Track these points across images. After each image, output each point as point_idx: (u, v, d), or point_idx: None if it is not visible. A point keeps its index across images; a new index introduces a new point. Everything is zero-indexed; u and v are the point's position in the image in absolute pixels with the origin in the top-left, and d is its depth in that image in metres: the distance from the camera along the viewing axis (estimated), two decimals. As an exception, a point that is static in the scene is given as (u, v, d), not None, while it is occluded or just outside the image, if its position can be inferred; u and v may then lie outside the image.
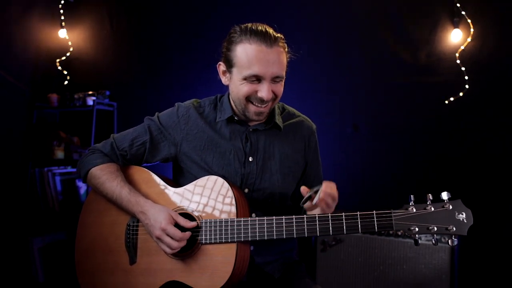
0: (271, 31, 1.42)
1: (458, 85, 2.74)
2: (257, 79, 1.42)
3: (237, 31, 1.44)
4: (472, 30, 2.72)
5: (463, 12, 2.72)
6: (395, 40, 2.91)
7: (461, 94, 2.74)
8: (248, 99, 1.46)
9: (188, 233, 1.41)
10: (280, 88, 1.48)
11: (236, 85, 1.47)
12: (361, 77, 3.00)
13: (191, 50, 3.37)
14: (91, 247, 1.60)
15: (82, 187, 3.46)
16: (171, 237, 1.39)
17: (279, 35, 1.44)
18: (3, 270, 3.19)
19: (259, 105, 1.46)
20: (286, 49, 1.48)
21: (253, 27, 1.42)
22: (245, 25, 1.45)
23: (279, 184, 1.57)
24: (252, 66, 1.40)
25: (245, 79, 1.43)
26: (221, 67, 1.53)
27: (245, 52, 1.41)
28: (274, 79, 1.44)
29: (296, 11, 3.16)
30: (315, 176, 1.69)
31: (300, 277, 1.57)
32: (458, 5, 2.71)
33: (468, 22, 2.72)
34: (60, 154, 3.47)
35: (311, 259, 2.65)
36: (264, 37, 1.40)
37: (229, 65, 1.47)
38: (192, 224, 1.43)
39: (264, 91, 1.42)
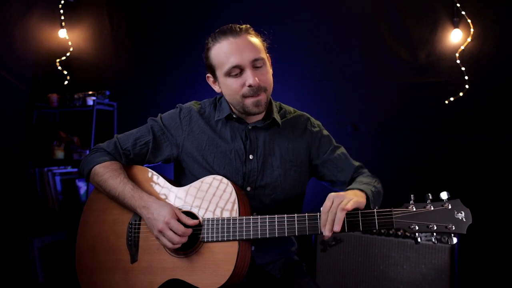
0: (236, 25, 1.49)
1: (458, 85, 2.74)
2: (239, 70, 1.46)
3: (209, 40, 1.52)
4: (472, 30, 2.72)
5: (463, 12, 2.72)
6: (395, 40, 2.91)
7: (461, 94, 2.74)
8: (243, 95, 1.48)
9: (190, 230, 1.41)
10: (265, 75, 1.50)
11: (225, 86, 1.52)
12: (361, 77, 3.00)
13: (191, 50, 3.37)
14: (92, 246, 1.60)
15: (82, 187, 3.46)
16: (174, 232, 1.39)
17: (245, 26, 1.50)
18: (3, 270, 3.19)
19: (254, 95, 1.48)
20: (259, 36, 1.52)
21: (219, 29, 1.50)
22: (213, 32, 1.52)
23: (281, 179, 1.57)
24: (228, 59, 1.45)
25: (228, 74, 1.47)
26: (210, 78, 1.60)
27: (218, 51, 1.48)
28: (255, 64, 1.47)
29: (296, 11, 3.17)
30: (343, 166, 1.64)
31: (300, 277, 1.58)
32: (458, 5, 2.71)
33: (468, 22, 2.72)
34: (60, 154, 3.48)
35: (311, 259, 2.64)
36: (230, 31, 1.47)
37: (213, 71, 1.54)
38: (194, 221, 1.43)
39: (249, 78, 1.45)
